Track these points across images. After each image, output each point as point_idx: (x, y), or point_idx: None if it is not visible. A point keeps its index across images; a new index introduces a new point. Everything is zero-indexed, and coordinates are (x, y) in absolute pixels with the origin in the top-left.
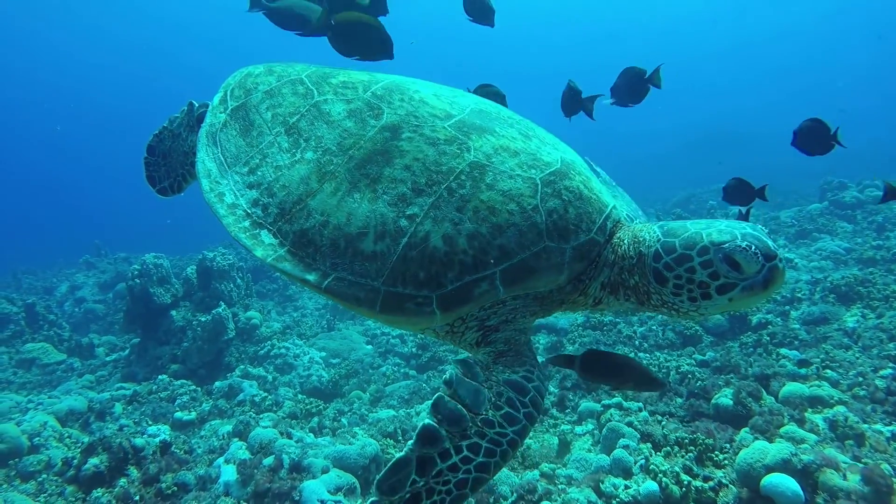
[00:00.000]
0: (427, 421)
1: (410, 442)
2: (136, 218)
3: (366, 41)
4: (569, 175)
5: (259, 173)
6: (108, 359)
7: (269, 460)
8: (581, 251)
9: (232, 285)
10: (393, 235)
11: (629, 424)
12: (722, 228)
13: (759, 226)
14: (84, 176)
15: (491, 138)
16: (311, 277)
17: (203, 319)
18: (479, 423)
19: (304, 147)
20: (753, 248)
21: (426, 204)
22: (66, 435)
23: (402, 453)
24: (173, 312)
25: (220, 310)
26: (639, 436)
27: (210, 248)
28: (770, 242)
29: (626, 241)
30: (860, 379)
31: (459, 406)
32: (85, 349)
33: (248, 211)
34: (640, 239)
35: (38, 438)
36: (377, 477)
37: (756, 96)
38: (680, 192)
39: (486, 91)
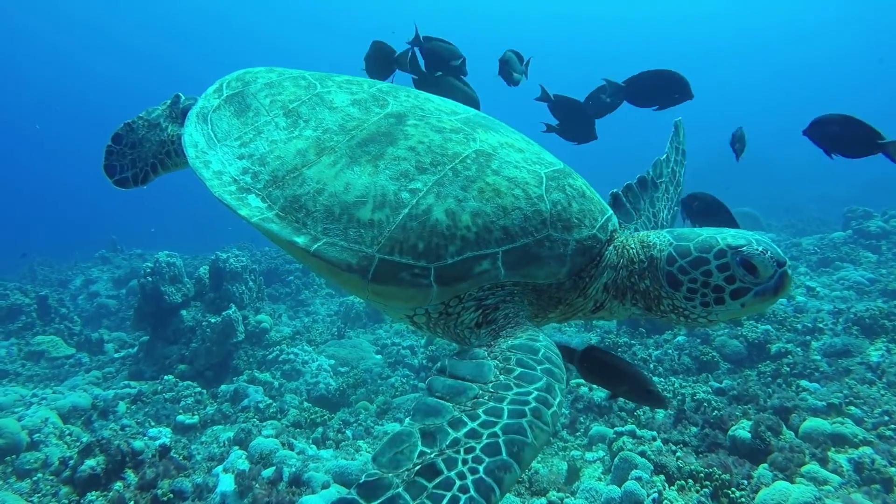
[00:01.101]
0: (424, 398)
1: (409, 418)
2: (156, 215)
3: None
4: (572, 175)
5: (252, 146)
6: (116, 355)
7: (268, 472)
8: (583, 245)
9: (244, 287)
10: (393, 206)
11: (642, 454)
12: (734, 234)
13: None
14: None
15: (496, 135)
16: (299, 240)
17: (213, 321)
18: (492, 390)
19: (303, 126)
20: (769, 253)
21: (430, 181)
22: (67, 433)
23: (400, 428)
24: (183, 312)
25: (230, 312)
26: (652, 467)
27: (223, 249)
28: (779, 249)
29: (634, 245)
30: (886, 418)
31: (459, 381)
32: (94, 344)
33: (236, 178)
34: (651, 243)
35: (38, 435)
36: (374, 452)
37: (784, 120)
38: None
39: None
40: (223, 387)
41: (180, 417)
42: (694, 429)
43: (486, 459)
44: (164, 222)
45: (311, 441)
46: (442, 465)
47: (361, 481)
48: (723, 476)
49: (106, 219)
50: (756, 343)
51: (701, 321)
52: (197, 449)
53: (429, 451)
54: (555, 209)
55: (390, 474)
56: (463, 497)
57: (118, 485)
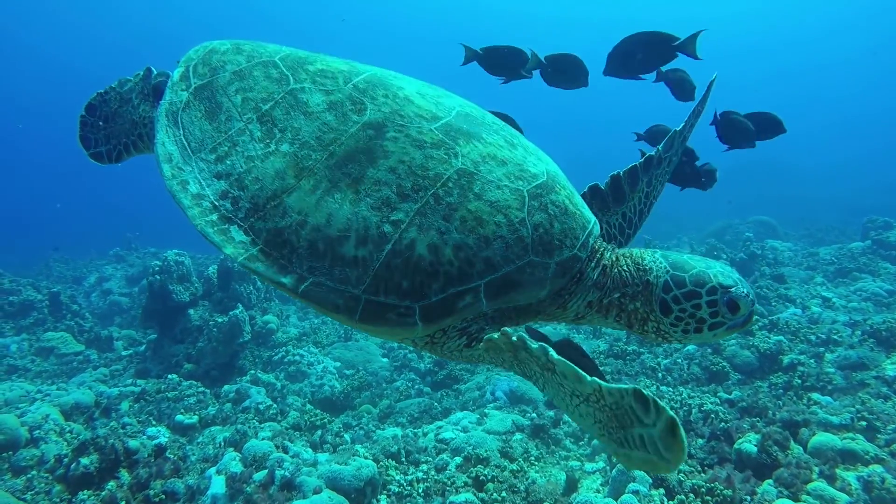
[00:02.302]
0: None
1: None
2: (174, 214)
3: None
4: (555, 189)
5: (228, 162)
6: (124, 353)
7: (260, 475)
8: (564, 267)
9: (251, 287)
10: (376, 241)
11: None
12: (721, 271)
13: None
14: (126, 169)
15: (479, 145)
16: (286, 281)
17: (219, 320)
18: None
19: (279, 138)
20: (750, 296)
21: (412, 210)
22: (68, 430)
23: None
24: (191, 311)
25: (237, 312)
26: (651, 480)
27: None
28: (748, 286)
29: (627, 266)
30: None
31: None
32: (104, 341)
33: (216, 203)
34: (646, 267)
35: (38, 431)
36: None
37: (801, 124)
38: (716, 221)
39: None
40: (226, 387)
41: (179, 417)
42: (700, 441)
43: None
44: (177, 221)
45: (308, 444)
46: None
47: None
48: (724, 492)
49: (123, 216)
50: (768, 354)
51: (673, 342)
52: (192, 450)
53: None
54: (536, 233)
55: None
56: None
57: (111, 484)
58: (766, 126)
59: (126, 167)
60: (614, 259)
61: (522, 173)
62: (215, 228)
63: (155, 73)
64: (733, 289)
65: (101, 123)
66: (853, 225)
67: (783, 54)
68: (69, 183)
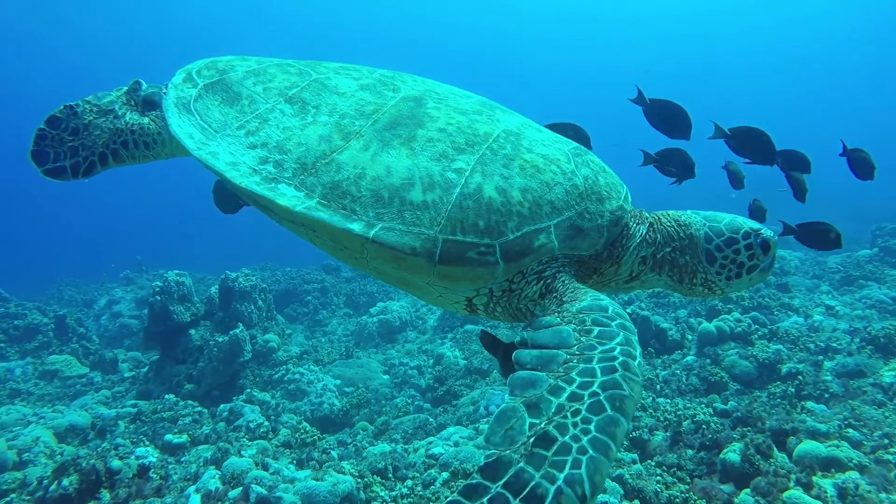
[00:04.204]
0: (514, 373)
1: (506, 394)
2: (187, 236)
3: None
4: (588, 152)
5: (262, 135)
6: (127, 375)
7: (235, 493)
8: (615, 216)
9: (252, 307)
10: (443, 186)
11: (618, 478)
12: (747, 219)
13: None
14: (141, 193)
15: (512, 116)
16: (354, 227)
17: (220, 340)
18: (578, 352)
19: (314, 112)
20: (774, 236)
21: (471, 160)
22: (59, 452)
23: (504, 405)
24: (192, 331)
25: (237, 331)
26: (622, 492)
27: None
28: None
29: (669, 224)
30: (885, 441)
31: (544, 350)
32: (108, 364)
33: (256, 168)
34: (686, 223)
35: (27, 454)
36: (485, 433)
37: (823, 135)
38: None
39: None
40: (221, 406)
41: (168, 437)
42: (690, 452)
43: (595, 418)
44: (191, 243)
45: (294, 462)
46: (555, 432)
47: (482, 463)
48: (699, 502)
49: (135, 239)
50: (766, 363)
51: (717, 293)
52: (176, 469)
53: (537, 421)
54: (587, 183)
55: (508, 451)
56: (584, 458)
57: None
58: None
59: (136, 194)
60: (656, 218)
61: (558, 139)
62: (262, 186)
63: (145, 85)
64: (763, 231)
65: (67, 137)
66: (863, 233)
67: (800, 70)
68: (79, 207)
